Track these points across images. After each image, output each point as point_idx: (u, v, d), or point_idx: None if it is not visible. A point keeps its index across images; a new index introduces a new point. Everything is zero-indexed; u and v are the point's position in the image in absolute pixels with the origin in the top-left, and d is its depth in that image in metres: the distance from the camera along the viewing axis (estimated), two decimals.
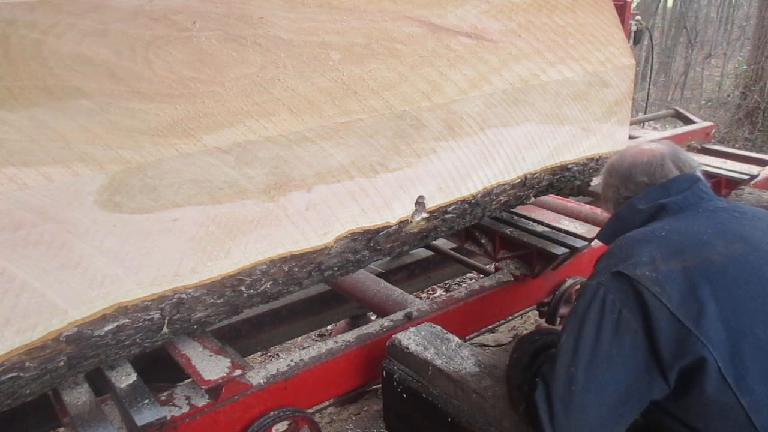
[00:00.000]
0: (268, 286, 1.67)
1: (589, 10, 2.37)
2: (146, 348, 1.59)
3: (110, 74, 1.35)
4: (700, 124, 4.46)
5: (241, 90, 1.50)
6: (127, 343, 1.48)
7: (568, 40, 2.27)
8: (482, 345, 3.52)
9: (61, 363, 1.38)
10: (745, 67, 8.23)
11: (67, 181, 1.24)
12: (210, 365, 1.68)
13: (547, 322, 2.62)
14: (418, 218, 1.93)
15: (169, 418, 1.65)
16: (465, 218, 2.18)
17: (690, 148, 4.17)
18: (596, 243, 2.47)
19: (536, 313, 2.79)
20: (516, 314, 2.93)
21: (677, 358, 1.21)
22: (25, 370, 1.31)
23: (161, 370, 2.08)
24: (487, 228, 2.53)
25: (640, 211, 1.48)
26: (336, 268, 1.85)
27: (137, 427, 1.50)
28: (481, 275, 2.83)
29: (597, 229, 2.44)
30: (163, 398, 1.73)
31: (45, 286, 1.27)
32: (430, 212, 1.96)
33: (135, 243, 1.37)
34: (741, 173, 3.23)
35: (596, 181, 2.61)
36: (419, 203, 1.91)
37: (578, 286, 2.62)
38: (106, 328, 1.39)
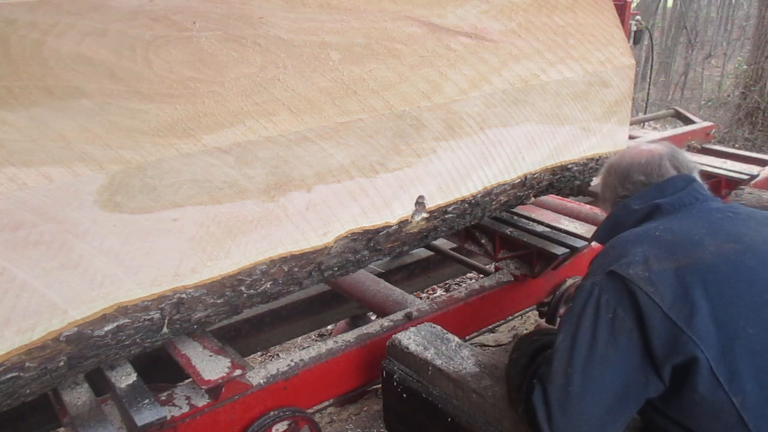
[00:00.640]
0: (268, 286, 1.67)
1: (589, 10, 2.37)
2: (146, 348, 1.59)
3: (110, 74, 1.35)
4: (700, 124, 4.46)
5: (241, 90, 1.50)
6: (127, 343, 1.48)
7: (568, 40, 2.27)
8: (482, 345, 3.52)
9: (61, 363, 1.38)
10: (745, 67, 8.23)
11: (67, 181, 1.24)
12: (210, 365, 1.68)
13: (547, 322, 2.61)
14: (418, 218, 1.93)
15: (169, 418, 1.65)
16: (465, 218, 2.18)
17: (690, 148, 4.17)
18: (596, 243, 2.47)
19: (536, 313, 2.79)
20: (516, 314, 2.93)
21: (670, 356, 1.21)
22: (25, 370, 1.31)
23: (161, 370, 2.08)
24: (487, 228, 2.53)
25: (635, 211, 1.49)
26: (336, 268, 1.85)
27: (137, 427, 1.50)
28: (481, 275, 2.83)
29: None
30: (163, 398, 1.73)
31: (45, 286, 1.27)
32: (430, 212, 1.96)
33: (135, 243, 1.37)
34: (741, 173, 3.23)
35: (596, 181, 2.61)
36: (419, 203, 1.91)
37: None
38: (106, 328, 1.39)
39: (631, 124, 3.85)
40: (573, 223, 2.55)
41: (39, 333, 1.29)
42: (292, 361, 1.93)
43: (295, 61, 1.61)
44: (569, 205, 2.94)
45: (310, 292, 2.77)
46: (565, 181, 2.47)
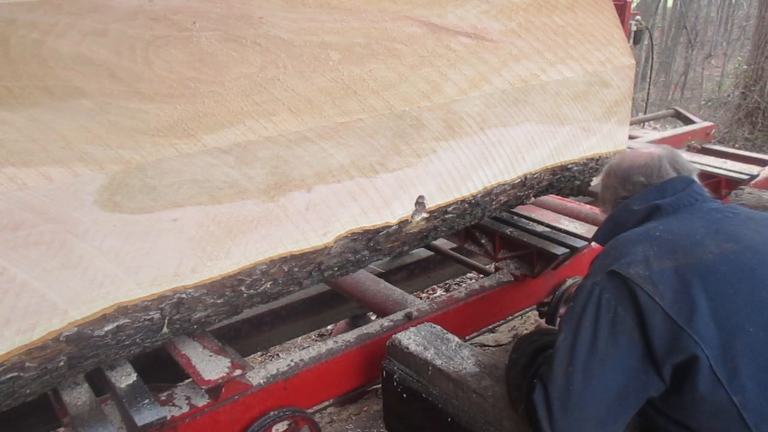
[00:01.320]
0: (268, 286, 1.67)
1: (589, 10, 2.37)
2: (146, 348, 1.59)
3: (110, 74, 1.35)
4: (700, 124, 4.46)
5: (241, 90, 1.50)
6: (127, 343, 1.48)
7: (568, 40, 2.27)
8: (482, 345, 3.52)
9: (61, 363, 1.38)
10: (745, 67, 8.24)
11: (67, 181, 1.24)
12: (210, 365, 1.68)
13: (547, 322, 2.61)
14: (418, 218, 1.93)
15: (169, 418, 1.65)
16: (465, 218, 2.18)
17: (690, 148, 4.17)
18: (596, 243, 2.47)
19: (536, 313, 2.79)
20: (516, 314, 2.93)
21: (670, 355, 1.22)
22: (25, 370, 1.31)
23: (161, 370, 2.08)
24: (487, 228, 2.53)
25: (635, 211, 1.50)
26: (336, 268, 1.85)
27: (137, 427, 1.50)
28: (481, 275, 2.83)
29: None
30: (163, 398, 1.73)
31: (45, 286, 1.27)
32: (430, 212, 1.96)
33: (135, 243, 1.37)
34: (741, 173, 3.23)
35: (596, 182, 2.62)
36: (419, 203, 1.91)
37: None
38: (106, 328, 1.39)
39: (631, 124, 3.85)
40: (573, 223, 2.55)
41: (39, 333, 1.29)
42: (292, 361, 1.93)
43: (295, 61, 1.61)
44: (569, 205, 2.94)
45: (310, 292, 2.76)
46: (565, 181, 2.47)
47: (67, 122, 1.27)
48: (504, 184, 2.17)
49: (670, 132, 4.39)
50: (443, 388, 1.72)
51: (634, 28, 4.28)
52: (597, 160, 2.49)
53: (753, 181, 3.26)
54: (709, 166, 3.30)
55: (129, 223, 1.35)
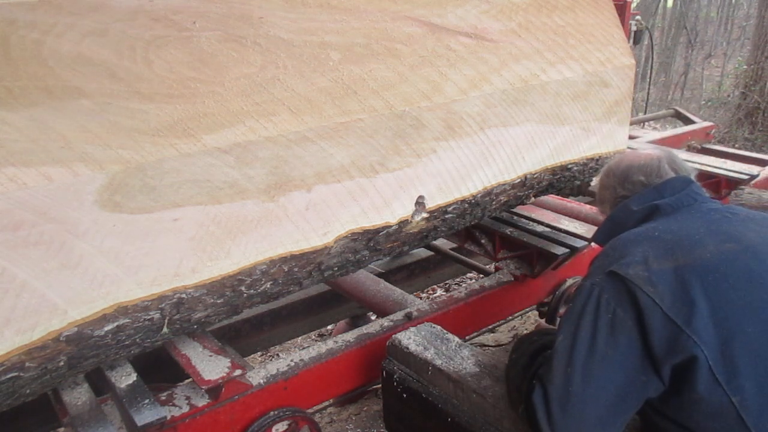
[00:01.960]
0: (268, 286, 1.67)
1: (589, 10, 2.37)
2: (146, 348, 1.59)
3: (110, 74, 1.35)
4: (700, 124, 4.46)
5: (241, 90, 1.50)
6: (127, 343, 1.48)
7: (568, 40, 2.27)
8: (482, 345, 3.52)
9: (61, 363, 1.38)
10: (745, 67, 8.23)
11: (67, 181, 1.24)
12: (210, 365, 1.68)
13: (547, 322, 2.61)
14: (418, 218, 1.93)
15: (169, 418, 1.65)
16: (465, 218, 2.18)
17: (690, 148, 4.17)
18: (595, 243, 2.47)
19: (536, 313, 2.79)
20: (516, 314, 2.93)
21: (669, 355, 1.22)
22: (25, 370, 1.31)
23: (161, 370, 2.08)
24: (487, 228, 2.53)
25: (634, 212, 1.51)
26: (336, 268, 1.85)
27: (137, 427, 1.50)
28: (481, 275, 2.83)
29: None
30: (163, 398, 1.73)
31: (45, 286, 1.27)
32: (430, 212, 1.96)
33: (135, 243, 1.37)
34: (741, 173, 3.23)
35: (595, 182, 2.61)
36: (419, 203, 1.91)
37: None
38: (106, 328, 1.39)
39: (631, 124, 3.85)
40: (573, 223, 2.55)
41: (39, 333, 1.29)
42: (292, 361, 1.93)
43: (295, 61, 1.61)
44: (569, 205, 2.94)
45: (310, 292, 2.76)
46: (565, 181, 2.47)
47: (67, 122, 1.27)
48: (504, 184, 2.17)
49: (670, 132, 4.39)
50: (443, 388, 1.72)
51: (634, 28, 4.28)
52: (597, 160, 2.49)
53: (753, 181, 3.26)
54: (709, 166, 3.30)
55: (129, 223, 1.35)
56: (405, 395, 1.82)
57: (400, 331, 1.93)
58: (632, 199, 1.53)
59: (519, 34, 2.14)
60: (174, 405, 1.71)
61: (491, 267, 2.77)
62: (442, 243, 2.95)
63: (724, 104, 9.36)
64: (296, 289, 1.81)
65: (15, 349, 1.26)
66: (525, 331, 3.52)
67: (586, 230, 2.46)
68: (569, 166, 2.40)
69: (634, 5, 7.47)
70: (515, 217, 2.59)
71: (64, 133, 1.26)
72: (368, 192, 1.76)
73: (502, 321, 3.36)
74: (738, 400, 1.19)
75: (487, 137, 2.04)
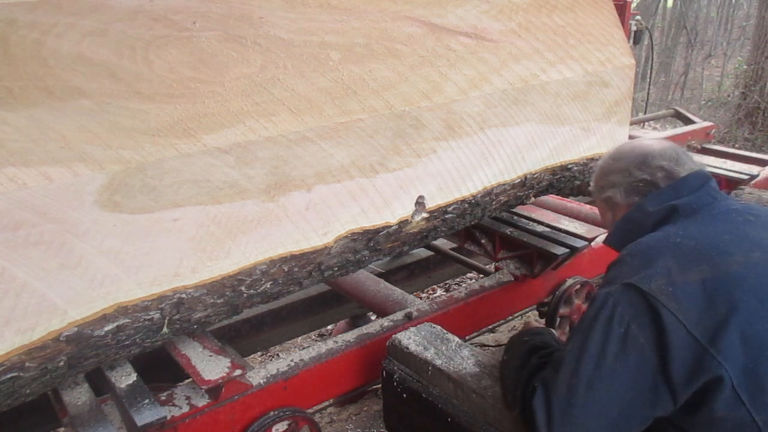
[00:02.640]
0: (268, 286, 1.67)
1: (589, 10, 2.37)
2: (146, 348, 1.59)
3: (110, 74, 1.35)
4: (700, 124, 4.46)
5: (241, 90, 1.50)
6: (127, 343, 1.48)
7: (568, 40, 2.27)
8: (482, 345, 3.52)
9: (61, 363, 1.38)
10: (745, 67, 8.23)
11: (67, 181, 1.24)
12: (210, 365, 1.68)
13: (546, 322, 2.62)
14: (418, 218, 1.93)
15: (169, 418, 1.65)
16: (465, 218, 2.18)
17: (690, 148, 4.17)
18: (596, 243, 2.47)
19: (536, 313, 2.79)
20: (516, 314, 2.93)
21: (692, 378, 1.15)
22: (25, 370, 1.31)
23: (161, 370, 2.08)
24: (487, 228, 2.53)
25: (651, 213, 1.41)
26: (336, 268, 1.85)
27: (137, 427, 1.50)
28: (481, 275, 2.83)
29: (597, 229, 2.44)
30: (163, 398, 1.73)
31: (45, 286, 1.27)
32: (430, 212, 1.96)
33: (135, 243, 1.37)
34: (741, 173, 3.23)
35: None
36: (419, 203, 1.91)
37: (578, 286, 2.62)
38: (106, 328, 1.39)
39: (631, 124, 3.85)
40: (573, 223, 2.55)
41: (39, 333, 1.29)
42: (292, 361, 1.93)
43: (295, 61, 1.61)
44: (569, 205, 2.94)
45: (310, 292, 2.76)
46: (565, 181, 2.47)
47: (67, 122, 1.27)
48: (504, 184, 2.17)
49: (670, 132, 4.39)
50: (443, 388, 1.72)
51: (634, 28, 4.28)
52: (597, 160, 2.49)
53: (753, 181, 3.26)
54: (709, 166, 3.30)
55: (129, 223, 1.35)
56: (405, 395, 1.82)
57: (400, 331, 1.93)
58: (648, 199, 1.43)
59: (519, 34, 2.14)
60: (174, 405, 1.71)
61: (491, 267, 2.77)
62: (442, 243, 2.95)
63: (724, 104, 9.35)
64: (296, 289, 1.81)
65: (15, 349, 1.26)
66: None
67: (586, 230, 2.46)
68: (569, 166, 2.40)
69: (634, 5, 7.47)
70: (515, 217, 2.59)
71: (64, 133, 1.26)
72: (368, 192, 1.76)
73: (502, 321, 3.36)
74: (762, 419, 1.13)
75: (487, 137, 2.04)
